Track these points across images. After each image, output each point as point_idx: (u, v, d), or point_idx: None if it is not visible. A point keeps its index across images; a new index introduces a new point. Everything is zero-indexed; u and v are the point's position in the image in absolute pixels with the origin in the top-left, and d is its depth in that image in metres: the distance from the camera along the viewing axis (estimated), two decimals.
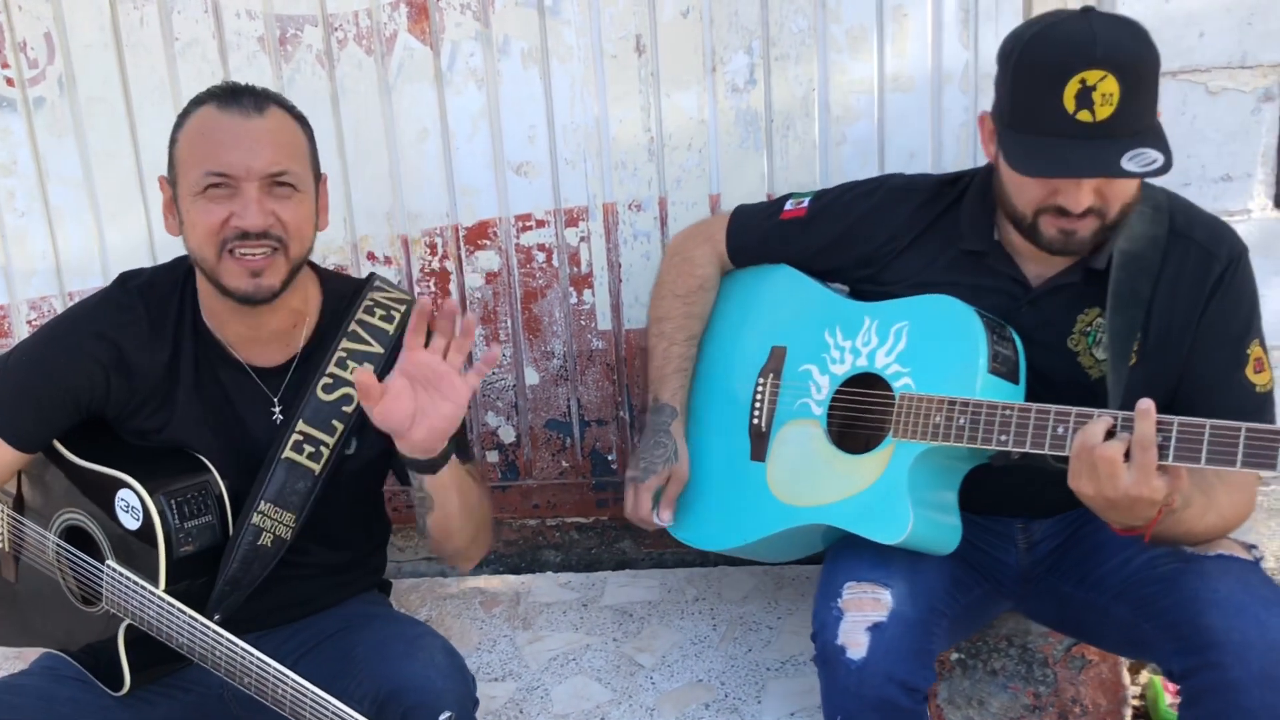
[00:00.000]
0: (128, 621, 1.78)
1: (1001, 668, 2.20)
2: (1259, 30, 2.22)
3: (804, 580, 2.51)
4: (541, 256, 2.57)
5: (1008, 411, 1.71)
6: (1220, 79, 2.25)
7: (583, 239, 2.55)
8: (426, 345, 1.66)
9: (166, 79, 2.52)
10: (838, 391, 1.96)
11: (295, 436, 1.84)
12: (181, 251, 1.85)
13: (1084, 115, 1.66)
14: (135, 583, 1.74)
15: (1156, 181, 1.90)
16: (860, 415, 1.93)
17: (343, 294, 1.94)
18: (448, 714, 1.49)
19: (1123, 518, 1.64)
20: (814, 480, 1.94)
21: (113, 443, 1.87)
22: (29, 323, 2.66)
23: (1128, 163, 1.66)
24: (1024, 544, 2.01)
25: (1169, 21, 2.23)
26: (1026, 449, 1.69)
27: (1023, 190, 1.77)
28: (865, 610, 1.76)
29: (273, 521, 1.81)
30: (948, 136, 2.40)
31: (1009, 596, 2.05)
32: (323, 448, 1.85)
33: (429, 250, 2.58)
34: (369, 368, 1.67)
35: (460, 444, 1.84)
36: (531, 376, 2.64)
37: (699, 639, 2.35)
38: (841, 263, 2.03)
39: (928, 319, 1.87)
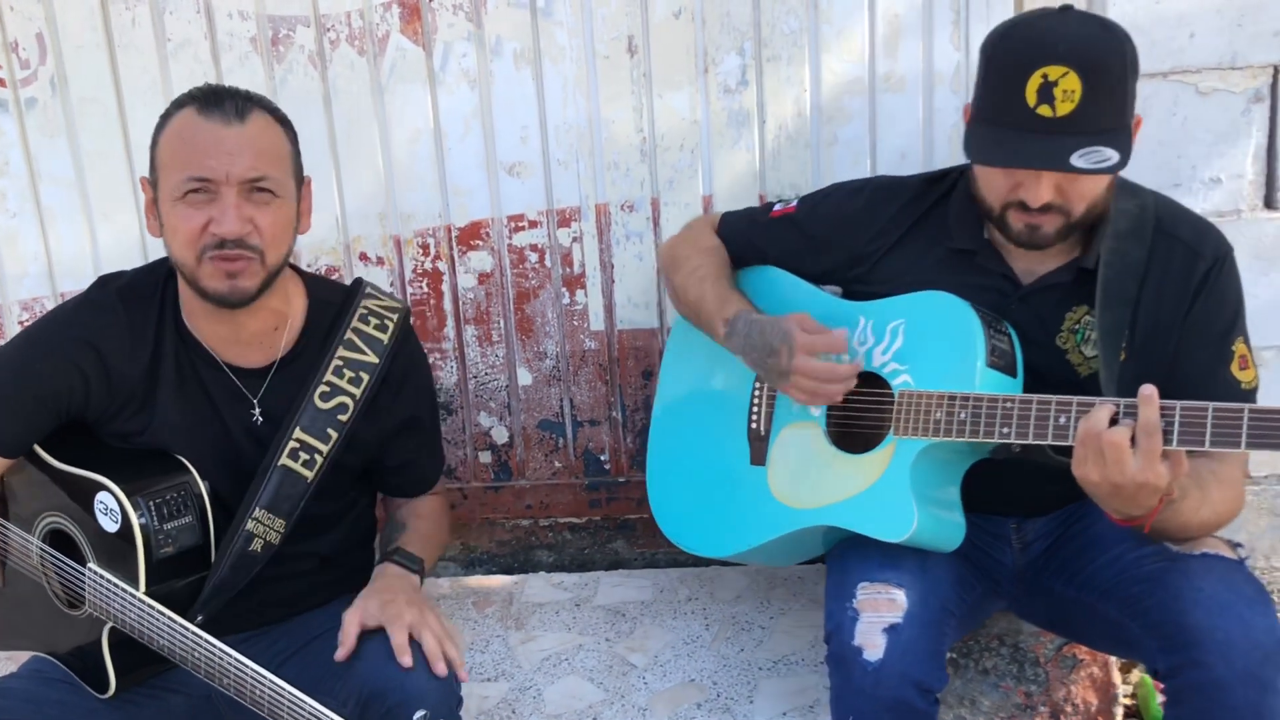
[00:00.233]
0: (111, 624, 1.78)
1: (993, 667, 2.21)
2: (1249, 31, 2.22)
3: (796, 580, 2.51)
4: (534, 257, 2.57)
5: (1009, 403, 1.71)
6: (1211, 80, 2.26)
7: (575, 239, 2.55)
8: None
9: (159, 80, 2.52)
10: None
11: (292, 444, 1.84)
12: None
13: (1044, 110, 1.68)
14: (116, 585, 1.74)
15: (1145, 182, 1.92)
16: (859, 415, 1.93)
17: (329, 300, 1.94)
18: (422, 712, 1.49)
19: (1125, 506, 1.64)
20: (816, 482, 1.94)
21: (93, 445, 1.86)
22: (20, 323, 2.66)
23: (1078, 159, 1.67)
24: (1018, 544, 2.01)
25: (1159, 22, 2.23)
26: (1029, 440, 1.70)
27: (989, 183, 1.80)
28: (881, 611, 1.75)
29: (265, 528, 1.82)
30: (939, 137, 2.41)
31: (1004, 596, 2.05)
32: (317, 455, 1.85)
33: (421, 251, 2.58)
34: (349, 640, 1.73)
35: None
36: (524, 377, 2.65)
37: (691, 639, 2.35)
38: (832, 263, 2.04)
39: (924, 315, 1.87)
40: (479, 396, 2.66)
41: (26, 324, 2.64)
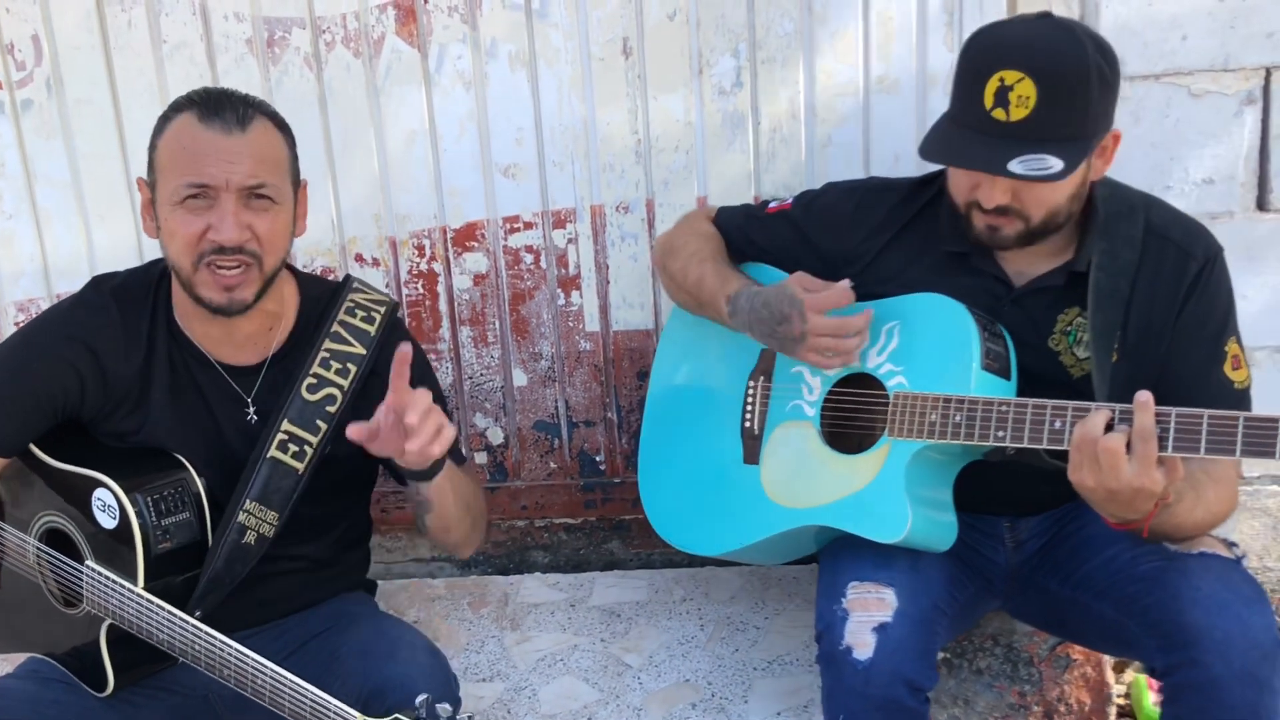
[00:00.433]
0: (109, 621, 1.78)
1: (987, 667, 2.21)
2: (1241, 33, 2.23)
3: (791, 580, 2.52)
4: (529, 258, 2.57)
5: (1004, 407, 1.72)
6: (1203, 82, 2.27)
7: (570, 241, 2.56)
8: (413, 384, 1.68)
9: (154, 81, 2.52)
10: (830, 392, 1.97)
11: (280, 436, 1.85)
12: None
13: (999, 113, 1.69)
14: (114, 581, 1.75)
15: (1137, 183, 1.93)
16: (853, 415, 1.94)
17: (319, 296, 1.95)
18: (424, 696, 1.50)
19: (1121, 511, 1.65)
20: (809, 481, 1.95)
21: (89, 444, 1.87)
22: (15, 324, 2.66)
23: (1016, 165, 1.68)
24: (1011, 543, 2.02)
25: (1152, 24, 2.24)
26: (1024, 444, 1.70)
27: (954, 182, 1.83)
28: (871, 610, 1.76)
29: (257, 520, 1.82)
30: None
31: (997, 596, 2.06)
32: (306, 447, 1.86)
33: (417, 252, 2.59)
34: (360, 426, 1.69)
35: (452, 450, 1.86)
36: (519, 378, 2.65)
37: (686, 639, 2.36)
38: (825, 261, 2.04)
39: (919, 317, 1.88)
40: (474, 397, 2.67)
41: (21, 324, 2.64)
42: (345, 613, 1.96)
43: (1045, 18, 1.76)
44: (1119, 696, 2.32)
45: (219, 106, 1.75)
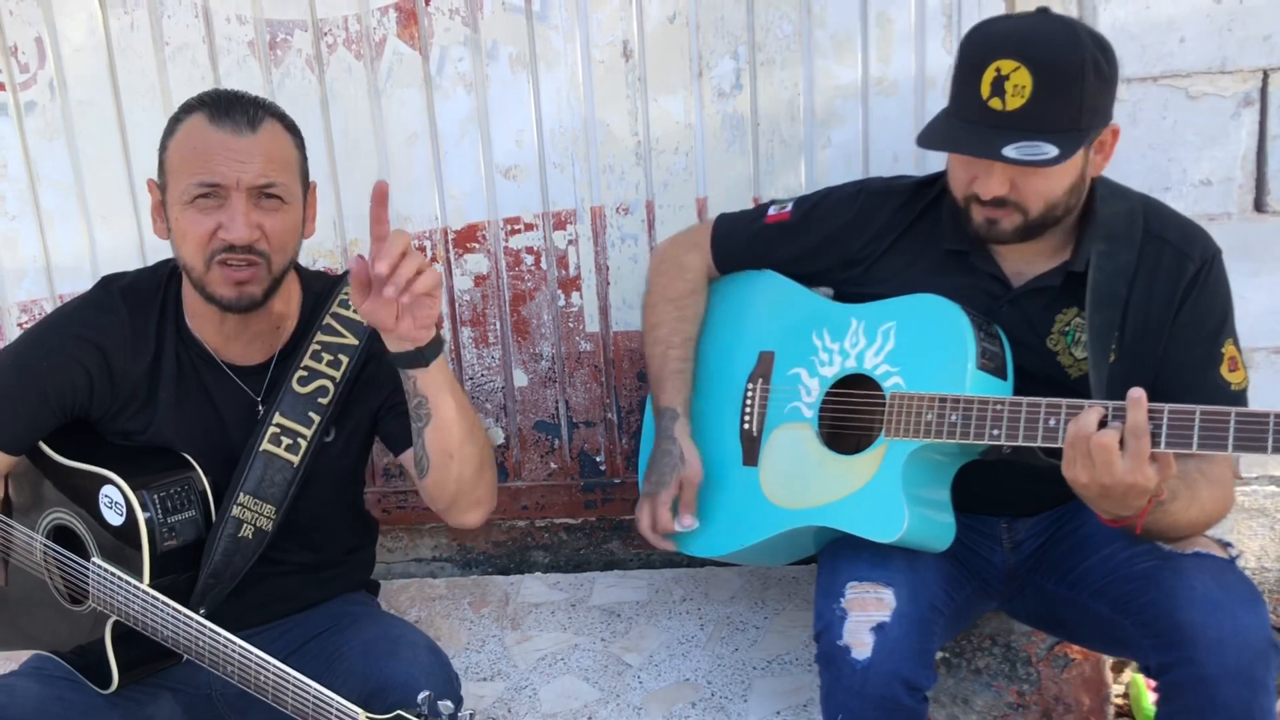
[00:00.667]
0: (114, 618, 1.79)
1: (985, 666, 2.22)
2: (1239, 35, 2.24)
3: (790, 580, 2.53)
4: (530, 259, 2.58)
5: (999, 406, 1.73)
6: (1200, 84, 2.27)
7: (570, 242, 2.57)
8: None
9: (157, 83, 2.53)
10: (827, 393, 1.98)
11: (272, 429, 1.86)
12: (170, 254, 1.87)
13: (995, 103, 1.71)
14: (120, 577, 1.76)
15: (1135, 185, 1.93)
16: (851, 416, 1.95)
17: (320, 292, 1.96)
18: (425, 693, 1.51)
19: (1114, 507, 1.66)
20: (807, 482, 1.96)
21: (97, 442, 1.88)
22: (19, 325, 2.67)
23: (1011, 150, 1.69)
24: (1009, 543, 2.02)
25: (1150, 27, 2.25)
26: (1019, 442, 1.71)
27: (953, 174, 1.84)
28: (869, 610, 1.77)
29: (253, 514, 1.83)
30: None
31: (995, 596, 2.07)
32: (300, 439, 1.86)
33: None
34: (364, 256, 1.62)
35: None
36: (520, 378, 2.66)
37: (686, 639, 2.36)
38: (826, 266, 2.05)
39: (915, 318, 1.89)
40: (475, 398, 2.67)
41: (25, 325, 2.66)
42: (347, 612, 1.97)
43: (1042, 12, 1.78)
44: (1117, 696, 2.33)
45: (229, 108, 1.76)
